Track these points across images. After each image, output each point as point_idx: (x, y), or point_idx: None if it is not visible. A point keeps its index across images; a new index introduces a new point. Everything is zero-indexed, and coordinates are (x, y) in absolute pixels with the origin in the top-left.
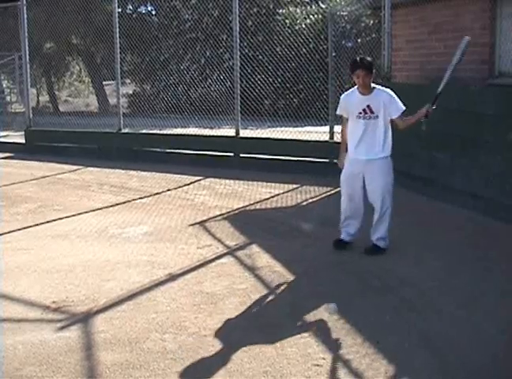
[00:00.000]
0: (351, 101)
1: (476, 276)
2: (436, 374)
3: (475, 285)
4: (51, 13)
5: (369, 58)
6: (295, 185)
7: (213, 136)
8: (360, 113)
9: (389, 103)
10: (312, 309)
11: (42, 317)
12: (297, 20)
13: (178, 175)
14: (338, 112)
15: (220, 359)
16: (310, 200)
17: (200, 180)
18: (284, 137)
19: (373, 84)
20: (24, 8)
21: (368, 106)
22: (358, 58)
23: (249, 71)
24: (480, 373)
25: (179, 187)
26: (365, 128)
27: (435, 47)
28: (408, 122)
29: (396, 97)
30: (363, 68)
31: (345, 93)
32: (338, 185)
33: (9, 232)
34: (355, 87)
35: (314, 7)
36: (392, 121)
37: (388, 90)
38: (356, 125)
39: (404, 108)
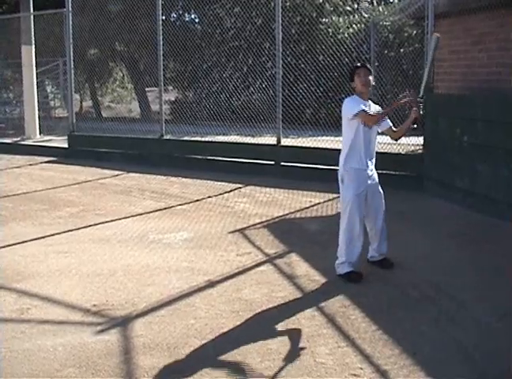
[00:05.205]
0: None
1: None
2: None
3: None
4: (96, 20)
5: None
6: (335, 195)
7: (255, 144)
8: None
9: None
10: (351, 319)
11: (82, 320)
12: (340, 29)
13: (219, 182)
14: (363, 108)
15: (258, 367)
16: None
17: (240, 188)
18: (325, 146)
19: None
20: (70, 15)
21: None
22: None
23: (291, 80)
24: None
25: (220, 194)
26: (364, 137)
27: (478, 58)
28: (400, 133)
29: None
30: (365, 67)
31: (349, 98)
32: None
33: (50, 235)
34: (353, 95)
35: (356, 16)
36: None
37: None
38: (358, 132)
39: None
